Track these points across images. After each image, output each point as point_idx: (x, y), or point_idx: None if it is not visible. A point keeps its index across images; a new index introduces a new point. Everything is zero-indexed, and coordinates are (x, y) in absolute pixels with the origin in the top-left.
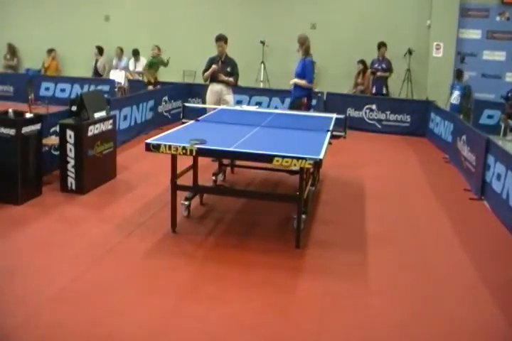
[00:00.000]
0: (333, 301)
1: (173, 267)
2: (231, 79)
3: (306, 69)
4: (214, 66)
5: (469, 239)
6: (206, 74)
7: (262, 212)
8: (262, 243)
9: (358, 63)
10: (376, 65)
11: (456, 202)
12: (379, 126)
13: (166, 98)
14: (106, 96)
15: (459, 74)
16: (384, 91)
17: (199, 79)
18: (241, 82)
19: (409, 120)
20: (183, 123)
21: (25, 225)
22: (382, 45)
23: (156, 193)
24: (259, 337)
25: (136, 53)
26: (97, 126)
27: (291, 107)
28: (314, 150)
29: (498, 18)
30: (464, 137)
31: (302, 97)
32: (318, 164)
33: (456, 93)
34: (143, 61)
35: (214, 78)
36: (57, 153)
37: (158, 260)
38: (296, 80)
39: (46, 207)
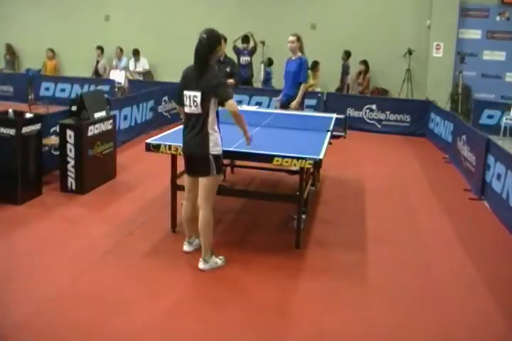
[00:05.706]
0: (333, 301)
1: (173, 267)
2: (231, 80)
3: (303, 69)
4: None
5: (469, 238)
6: None
7: (262, 212)
8: (262, 243)
9: (360, 63)
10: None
11: (456, 202)
12: (379, 126)
13: (166, 98)
14: (106, 96)
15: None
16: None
17: None
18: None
19: (409, 120)
20: None
21: (25, 225)
22: (249, 38)
23: (156, 193)
24: (259, 337)
25: (136, 53)
26: (97, 126)
27: (287, 106)
28: (314, 150)
29: (498, 18)
30: (463, 137)
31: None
32: (318, 164)
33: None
34: (143, 61)
35: None
36: (57, 153)
37: (158, 260)
38: (295, 102)
39: (46, 207)
